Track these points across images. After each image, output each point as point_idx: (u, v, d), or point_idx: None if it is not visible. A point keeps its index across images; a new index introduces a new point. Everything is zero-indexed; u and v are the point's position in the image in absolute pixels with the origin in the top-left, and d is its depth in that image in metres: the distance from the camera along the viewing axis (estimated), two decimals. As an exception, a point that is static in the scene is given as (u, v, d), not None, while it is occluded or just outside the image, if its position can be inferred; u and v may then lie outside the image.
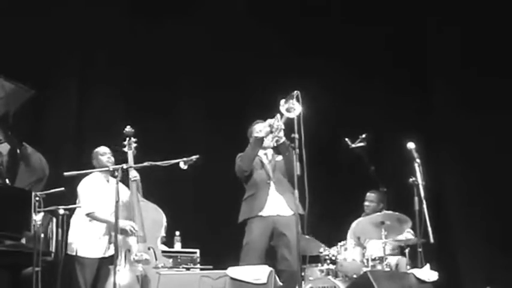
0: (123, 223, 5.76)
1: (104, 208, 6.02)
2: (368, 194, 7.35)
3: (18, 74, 5.76)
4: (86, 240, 6.08)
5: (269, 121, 5.68)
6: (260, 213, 5.66)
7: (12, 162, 5.52)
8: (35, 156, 5.70)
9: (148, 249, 5.73)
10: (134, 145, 6.05)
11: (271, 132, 5.67)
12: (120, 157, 6.07)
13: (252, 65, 8.34)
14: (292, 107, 5.47)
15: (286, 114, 5.49)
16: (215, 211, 7.75)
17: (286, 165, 5.78)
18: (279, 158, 5.90)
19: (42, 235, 5.14)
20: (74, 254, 6.04)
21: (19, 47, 7.44)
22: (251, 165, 5.76)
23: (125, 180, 5.91)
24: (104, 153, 6.24)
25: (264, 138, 5.72)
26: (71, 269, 6.01)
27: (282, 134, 5.66)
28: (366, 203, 7.32)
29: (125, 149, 6.03)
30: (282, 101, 5.47)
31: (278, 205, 5.70)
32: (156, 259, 5.72)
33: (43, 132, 7.75)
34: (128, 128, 5.94)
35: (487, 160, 8.01)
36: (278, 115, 5.59)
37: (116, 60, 8.19)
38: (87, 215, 6.03)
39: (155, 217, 5.92)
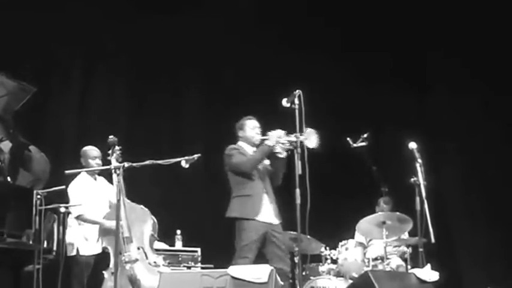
0: (111, 223, 5.73)
1: (93, 208, 6.08)
2: (382, 203, 7.25)
3: (20, 72, 5.76)
4: (83, 238, 6.14)
5: (280, 132, 5.65)
6: (256, 218, 5.69)
7: (14, 160, 5.52)
8: (37, 157, 5.71)
9: (138, 248, 5.77)
10: (118, 153, 6.02)
11: (276, 143, 5.65)
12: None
13: (253, 64, 8.33)
14: (308, 137, 5.45)
15: (303, 140, 5.42)
16: (216, 210, 7.71)
17: (273, 177, 5.87)
18: (267, 162, 5.89)
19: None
20: (74, 254, 6.07)
21: (20, 45, 7.42)
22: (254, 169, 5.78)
23: (110, 180, 5.91)
24: (94, 157, 6.28)
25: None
26: (70, 269, 6.02)
27: (284, 148, 5.64)
28: (379, 211, 7.18)
29: (109, 158, 6.02)
30: (284, 100, 5.46)
31: (270, 213, 5.78)
32: (146, 258, 5.75)
33: (44, 131, 7.74)
34: (111, 138, 5.93)
35: (488, 160, 8.01)
36: (294, 135, 5.51)
37: (118, 58, 8.19)
38: (77, 217, 6.09)
39: (141, 217, 5.96)
